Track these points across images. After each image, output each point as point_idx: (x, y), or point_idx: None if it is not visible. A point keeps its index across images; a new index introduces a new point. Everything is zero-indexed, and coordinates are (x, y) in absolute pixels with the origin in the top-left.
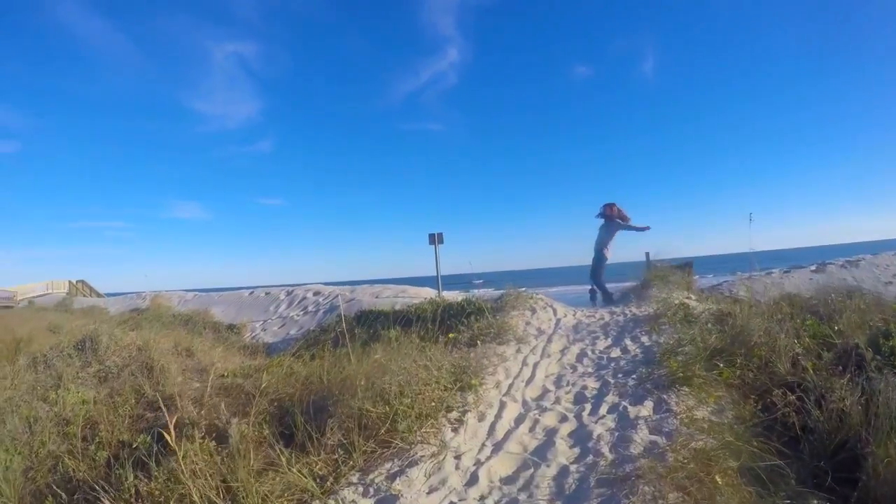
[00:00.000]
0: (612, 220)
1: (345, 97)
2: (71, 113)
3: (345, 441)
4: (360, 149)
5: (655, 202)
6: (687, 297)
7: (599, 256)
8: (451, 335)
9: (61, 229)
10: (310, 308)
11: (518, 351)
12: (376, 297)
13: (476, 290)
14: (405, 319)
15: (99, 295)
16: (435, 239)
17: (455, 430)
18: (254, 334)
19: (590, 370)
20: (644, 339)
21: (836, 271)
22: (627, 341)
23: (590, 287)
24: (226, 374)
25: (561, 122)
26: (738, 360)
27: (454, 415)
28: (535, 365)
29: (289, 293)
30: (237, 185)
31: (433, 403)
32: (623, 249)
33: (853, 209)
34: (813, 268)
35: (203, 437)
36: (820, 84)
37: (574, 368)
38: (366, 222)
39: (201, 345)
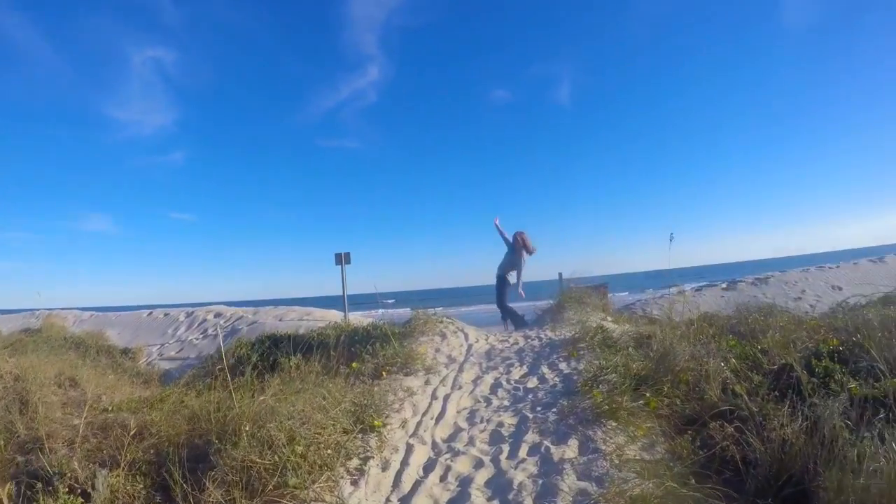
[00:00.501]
0: (518, 250)
1: (263, 111)
2: None
3: (225, 500)
4: (276, 164)
5: (571, 221)
6: (603, 319)
7: (501, 281)
8: (354, 365)
9: None
10: (210, 331)
11: (427, 382)
12: (280, 320)
13: (382, 311)
14: (307, 346)
15: None
16: (342, 259)
17: (355, 483)
18: (150, 359)
19: (506, 403)
20: (562, 365)
21: (747, 288)
22: (545, 369)
23: (509, 318)
24: (110, 407)
25: (480, 143)
26: (666, 388)
27: (354, 463)
28: (446, 398)
29: (189, 314)
30: (148, 198)
31: (330, 451)
32: (536, 269)
33: (766, 226)
34: (724, 285)
35: (69, 492)
36: (734, 103)
37: (488, 401)
38: (278, 240)
39: (89, 373)
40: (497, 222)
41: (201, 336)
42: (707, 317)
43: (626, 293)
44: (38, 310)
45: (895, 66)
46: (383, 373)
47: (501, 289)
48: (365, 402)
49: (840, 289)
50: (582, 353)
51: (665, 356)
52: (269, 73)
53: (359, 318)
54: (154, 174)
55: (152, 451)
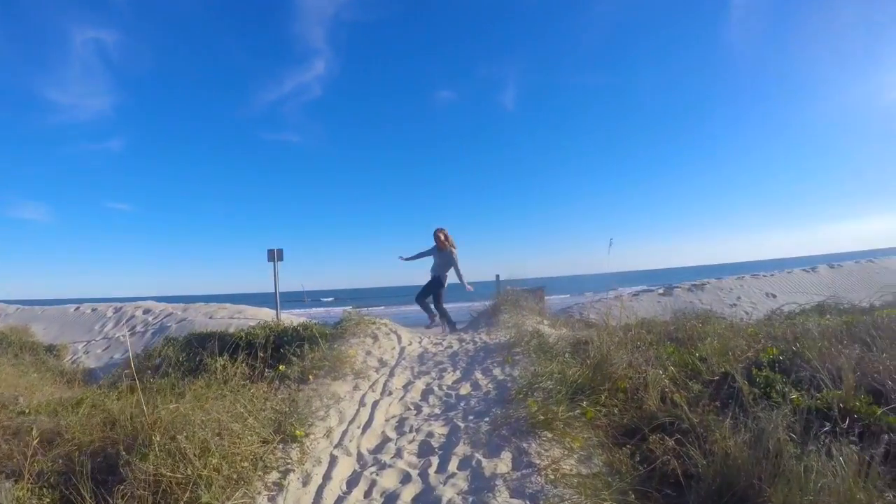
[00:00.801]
0: (444, 248)
1: (206, 101)
2: None
3: None
4: (217, 156)
5: (510, 222)
6: (539, 323)
7: (437, 282)
8: (280, 367)
9: None
10: (138, 328)
11: (355, 388)
12: (210, 318)
13: (316, 310)
14: (235, 346)
15: None
16: (274, 255)
17: (272, 500)
18: (75, 357)
19: (437, 411)
20: (496, 371)
21: (683, 294)
22: (478, 374)
23: (427, 314)
24: (27, 410)
25: (425, 142)
26: (603, 397)
27: (273, 477)
28: (375, 405)
29: (117, 310)
30: (84, 186)
31: (247, 464)
32: (473, 270)
33: (702, 233)
34: (661, 291)
35: None
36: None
37: (419, 409)
38: (215, 234)
39: (8, 371)
40: (402, 258)
41: (129, 333)
42: (645, 323)
43: (566, 296)
44: None
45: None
46: (310, 377)
47: (436, 289)
48: (287, 409)
49: (774, 296)
50: (517, 358)
51: (602, 363)
52: (213, 62)
53: (291, 318)
54: (91, 161)
55: (63, 461)
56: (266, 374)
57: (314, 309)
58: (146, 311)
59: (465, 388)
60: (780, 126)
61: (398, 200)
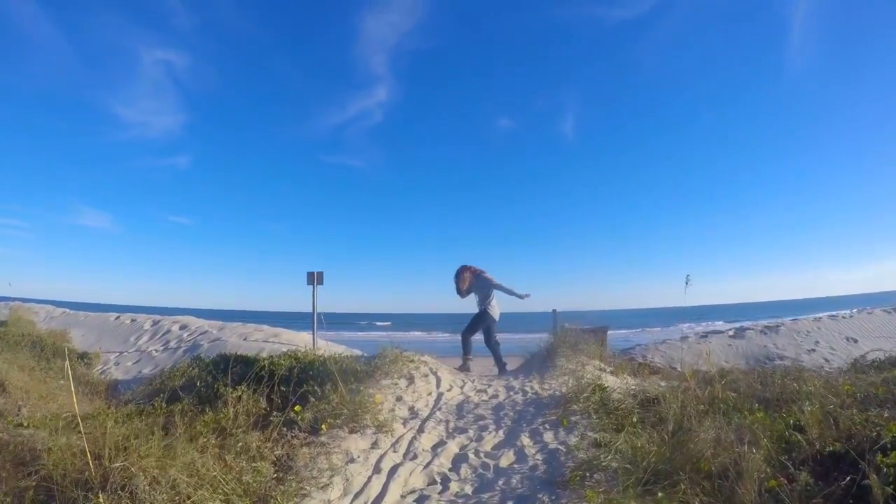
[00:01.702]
0: (478, 279)
1: (269, 122)
2: None
3: None
4: (279, 176)
5: (571, 254)
6: (601, 370)
7: (483, 316)
8: (297, 409)
9: None
10: (171, 343)
11: (374, 445)
12: (244, 339)
13: (358, 333)
14: (258, 376)
15: None
16: (314, 279)
17: None
18: (105, 367)
19: (468, 489)
20: (548, 435)
21: (756, 337)
22: (525, 438)
23: (462, 352)
24: (26, 423)
25: (484, 169)
26: (683, 485)
27: None
28: (392, 472)
29: (155, 323)
30: (149, 199)
31: None
32: (531, 303)
33: (768, 268)
34: (731, 333)
35: None
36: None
37: (446, 483)
38: (273, 252)
39: (22, 377)
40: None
41: (162, 347)
42: (723, 373)
43: (624, 331)
44: (13, 299)
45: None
46: (323, 426)
47: (482, 323)
48: (275, 474)
49: (856, 341)
50: (574, 419)
51: (681, 443)
52: (277, 85)
53: (331, 345)
54: (156, 175)
55: (35, 489)
56: (274, 416)
57: (365, 333)
58: (182, 327)
59: (507, 458)
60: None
61: (456, 227)
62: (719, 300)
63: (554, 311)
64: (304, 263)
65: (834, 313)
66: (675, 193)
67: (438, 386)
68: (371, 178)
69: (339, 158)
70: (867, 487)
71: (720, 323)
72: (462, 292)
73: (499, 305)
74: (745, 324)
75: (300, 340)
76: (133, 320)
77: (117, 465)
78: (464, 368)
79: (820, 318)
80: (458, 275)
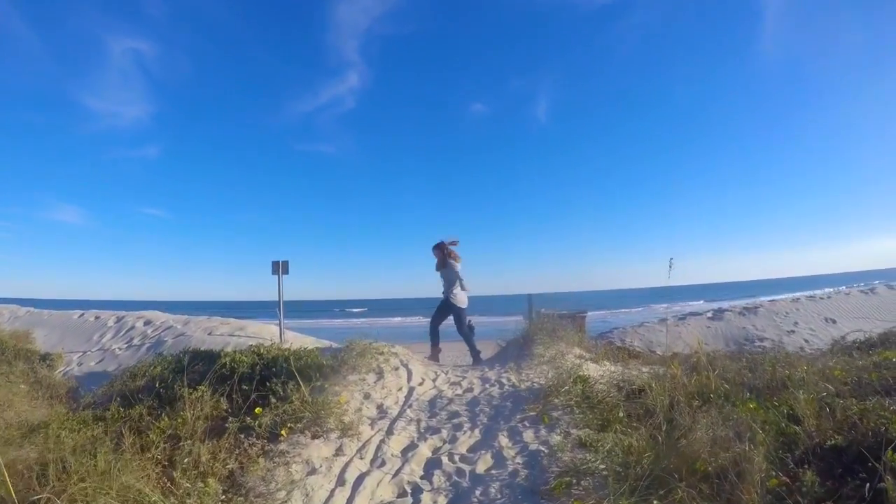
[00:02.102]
0: (444, 263)
1: (241, 110)
2: None
3: None
4: (251, 165)
5: (546, 235)
6: (580, 357)
7: (448, 305)
8: (257, 411)
9: None
10: (135, 340)
11: (338, 452)
12: (209, 334)
13: (334, 320)
14: (219, 375)
15: None
16: (279, 268)
17: None
18: (68, 368)
19: (442, 501)
20: (528, 434)
21: (735, 319)
22: (503, 439)
23: (430, 341)
24: None
25: (457, 154)
26: (680, 491)
27: None
28: (358, 484)
29: (119, 319)
30: (120, 191)
31: None
32: (503, 284)
33: (745, 248)
34: (709, 314)
35: None
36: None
37: (417, 495)
38: (249, 241)
39: None
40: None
41: (125, 346)
42: (710, 359)
43: (602, 311)
44: None
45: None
46: (283, 431)
47: (448, 312)
48: (212, 498)
49: (834, 321)
50: (555, 414)
51: (675, 441)
52: (248, 74)
53: (298, 337)
54: (128, 167)
55: None
56: (230, 422)
57: (341, 320)
58: (147, 323)
59: (484, 462)
60: (817, 135)
61: (430, 210)
62: (696, 280)
63: (529, 296)
64: (279, 252)
65: (811, 293)
66: (651, 174)
67: (410, 380)
68: (343, 164)
69: (311, 146)
70: (883, 491)
71: (700, 302)
72: (437, 267)
73: (465, 292)
74: (723, 304)
75: (267, 333)
76: (97, 317)
77: (43, 495)
78: (432, 358)
79: (798, 298)
80: (434, 249)
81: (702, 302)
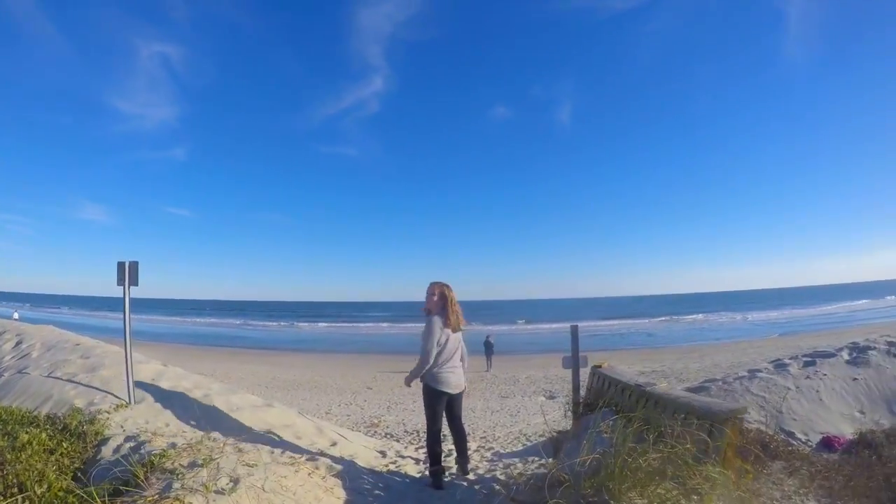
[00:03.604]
0: (428, 317)
1: (265, 113)
2: None
3: None
4: (275, 166)
5: (572, 238)
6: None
7: (425, 391)
8: None
9: None
10: None
11: None
12: (47, 375)
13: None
14: None
15: None
16: (125, 272)
17: None
18: None
19: None
20: None
21: (887, 362)
22: None
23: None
24: None
25: (481, 160)
26: None
27: None
28: None
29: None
30: (146, 191)
31: None
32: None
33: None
34: (847, 357)
35: None
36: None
37: None
38: (276, 241)
39: None
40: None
41: None
42: None
43: (628, 321)
44: None
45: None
46: None
47: (433, 403)
48: None
49: None
50: None
51: None
52: (273, 77)
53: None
54: (154, 168)
55: None
56: None
57: (368, 324)
58: (17, 344)
59: None
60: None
61: (454, 214)
62: (714, 288)
63: (573, 328)
64: (301, 252)
65: None
66: (672, 179)
67: None
68: (366, 166)
69: (335, 148)
70: None
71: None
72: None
73: (457, 364)
74: (857, 339)
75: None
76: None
77: None
78: (434, 486)
79: None
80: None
81: (753, 314)
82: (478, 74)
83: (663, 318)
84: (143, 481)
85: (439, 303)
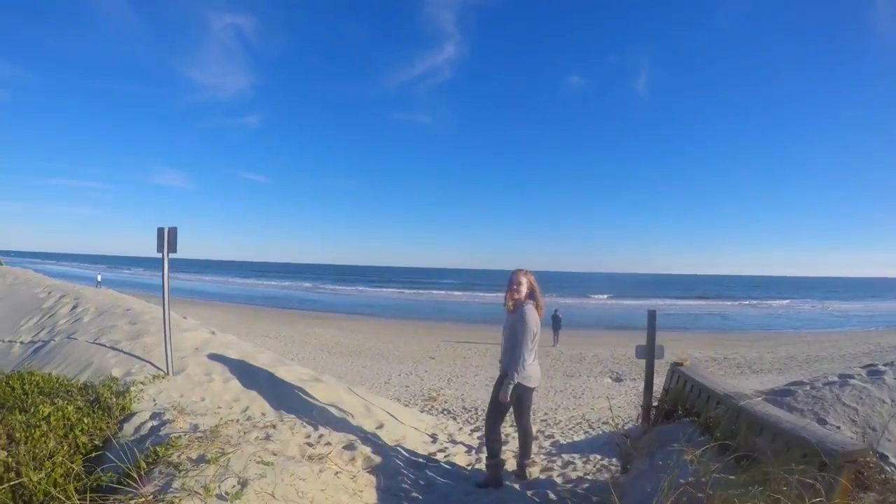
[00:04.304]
0: (522, 305)
1: (338, 81)
2: (62, 68)
3: None
4: (348, 133)
5: (646, 215)
6: None
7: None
8: None
9: (35, 185)
10: (41, 334)
11: None
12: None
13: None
14: None
15: None
16: (164, 238)
17: None
18: None
19: None
20: None
21: None
22: None
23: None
24: None
25: (554, 127)
26: None
27: None
28: None
29: (59, 298)
30: (223, 158)
31: None
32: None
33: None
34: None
35: None
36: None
37: None
38: (345, 207)
39: None
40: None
41: (29, 339)
42: None
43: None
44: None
45: None
46: None
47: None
48: None
49: None
50: None
51: None
52: (345, 44)
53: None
54: (230, 135)
55: None
56: None
57: (438, 291)
58: (74, 307)
59: None
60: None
61: (526, 185)
62: (822, 272)
63: (650, 313)
64: (373, 218)
65: None
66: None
67: None
68: (439, 134)
69: (408, 115)
70: None
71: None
72: (512, 306)
73: (535, 359)
74: None
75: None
76: (49, 292)
77: None
78: (490, 482)
79: None
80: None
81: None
82: (552, 42)
83: (742, 302)
84: (143, 476)
85: (528, 293)
